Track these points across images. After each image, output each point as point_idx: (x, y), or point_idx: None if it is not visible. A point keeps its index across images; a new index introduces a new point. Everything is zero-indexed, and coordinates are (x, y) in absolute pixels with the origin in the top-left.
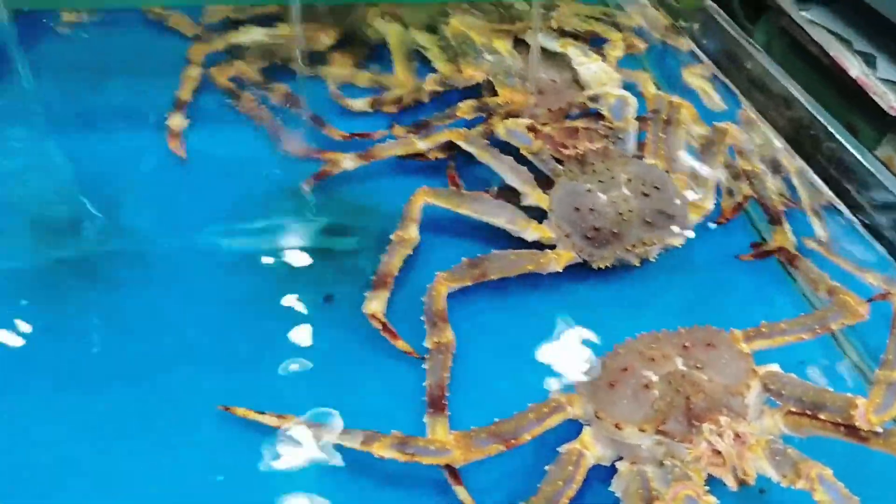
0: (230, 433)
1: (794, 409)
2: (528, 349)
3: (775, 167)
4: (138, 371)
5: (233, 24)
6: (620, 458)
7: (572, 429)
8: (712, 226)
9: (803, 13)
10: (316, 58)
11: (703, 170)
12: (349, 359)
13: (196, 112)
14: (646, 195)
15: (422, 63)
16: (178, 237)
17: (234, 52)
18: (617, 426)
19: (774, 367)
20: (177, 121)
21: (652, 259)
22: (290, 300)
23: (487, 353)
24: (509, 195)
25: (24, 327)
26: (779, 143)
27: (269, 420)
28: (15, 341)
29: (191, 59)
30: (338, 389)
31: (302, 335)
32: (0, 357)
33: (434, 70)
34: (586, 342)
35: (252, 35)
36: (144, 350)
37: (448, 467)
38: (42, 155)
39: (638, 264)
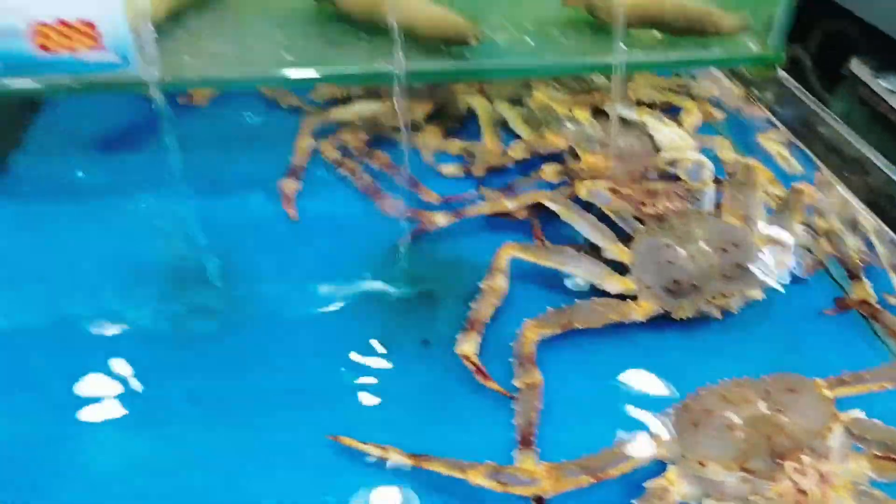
0: (337, 462)
1: (879, 454)
2: (612, 392)
3: (853, 226)
4: (250, 407)
5: (338, 101)
6: (707, 496)
7: (658, 468)
8: (792, 283)
9: (882, 83)
10: (412, 128)
11: (782, 229)
12: (443, 398)
13: (307, 177)
14: (724, 250)
15: (506, 132)
16: (289, 286)
17: (340, 125)
18: (701, 463)
19: (858, 413)
20: (290, 185)
21: (733, 311)
22: (388, 344)
23: (571, 393)
24: (591, 250)
25: (150, 367)
26: (856, 204)
27: (371, 449)
28: (137, 385)
29: (302, 131)
30: (432, 426)
31: (397, 376)
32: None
33: (518, 137)
34: (668, 386)
35: (355, 110)
36: (256, 387)
37: (538, 499)
38: (176, 215)
39: (719, 316)
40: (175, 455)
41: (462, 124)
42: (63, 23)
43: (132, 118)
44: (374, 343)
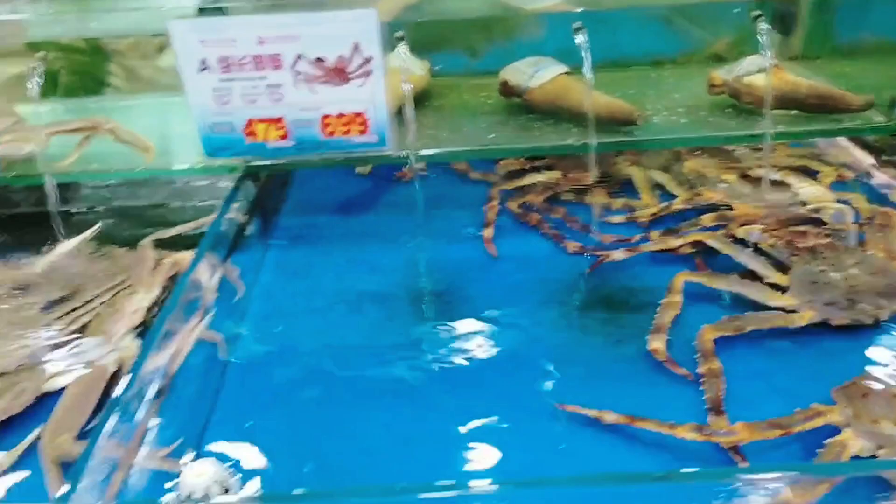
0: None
1: None
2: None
3: None
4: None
5: (514, 173)
6: (880, 447)
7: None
8: None
9: None
10: (580, 191)
11: None
12: (635, 386)
13: (499, 228)
14: (874, 275)
15: (662, 192)
16: (495, 311)
17: (521, 189)
18: (874, 421)
19: None
20: (488, 232)
21: (883, 319)
22: (586, 348)
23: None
24: (750, 277)
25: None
26: None
27: (591, 412)
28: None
29: (492, 196)
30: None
31: (593, 371)
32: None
33: (672, 197)
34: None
35: (534, 178)
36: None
37: (734, 448)
38: (407, 259)
39: (871, 322)
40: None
41: (621, 188)
42: (342, 115)
43: (358, 187)
44: (572, 355)
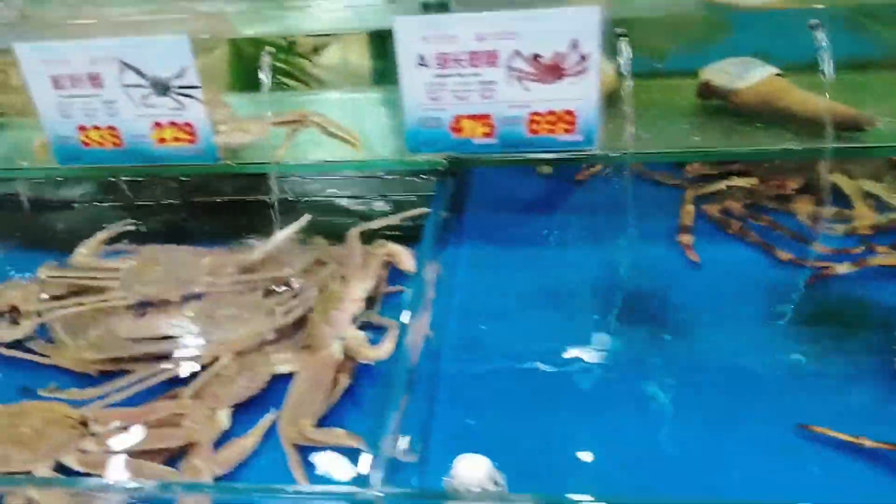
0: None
1: None
2: None
3: None
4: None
5: (708, 178)
6: None
7: None
8: None
9: None
10: (783, 199)
11: None
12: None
13: (697, 233)
14: None
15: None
16: (707, 322)
17: (715, 194)
18: None
19: None
20: (686, 238)
21: None
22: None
23: None
24: None
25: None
26: None
27: (845, 437)
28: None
29: (686, 200)
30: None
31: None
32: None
33: (889, 208)
34: None
35: (731, 183)
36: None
37: None
38: (604, 264)
39: None
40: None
41: (831, 197)
42: (550, 112)
43: (540, 188)
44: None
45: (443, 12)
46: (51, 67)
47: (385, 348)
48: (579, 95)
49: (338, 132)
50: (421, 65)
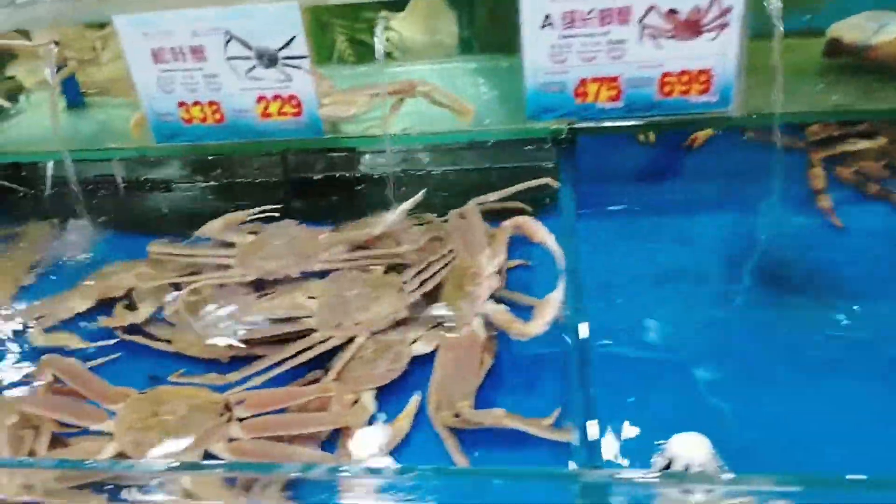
0: None
1: None
2: None
3: None
4: None
5: (830, 140)
6: None
7: None
8: None
9: None
10: None
11: None
12: None
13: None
14: None
15: None
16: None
17: (844, 156)
18: None
19: None
20: (825, 201)
21: None
22: None
23: None
24: None
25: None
26: None
27: None
28: None
29: (813, 164)
30: None
31: None
32: None
33: None
34: None
35: (861, 145)
36: None
37: None
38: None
39: None
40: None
41: None
42: (684, 72)
43: (647, 155)
44: None
45: None
46: (151, 40)
47: (539, 323)
48: (718, 52)
49: (449, 101)
50: (546, 25)
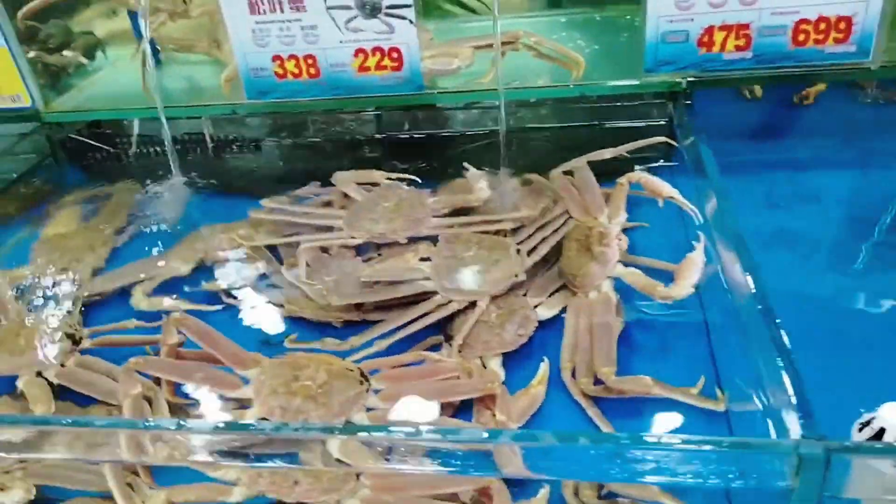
0: None
1: None
2: None
3: None
4: None
5: None
6: None
7: None
8: None
9: None
10: None
11: None
12: None
13: None
14: None
15: None
16: None
17: None
18: None
19: None
20: None
21: None
22: None
23: None
24: None
25: None
26: None
27: None
28: None
29: None
30: None
31: None
32: None
33: None
34: None
35: None
36: None
37: None
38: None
39: None
40: None
41: None
42: (821, 18)
43: (756, 112)
44: None
45: None
46: None
47: (685, 285)
48: None
49: (557, 54)
50: None
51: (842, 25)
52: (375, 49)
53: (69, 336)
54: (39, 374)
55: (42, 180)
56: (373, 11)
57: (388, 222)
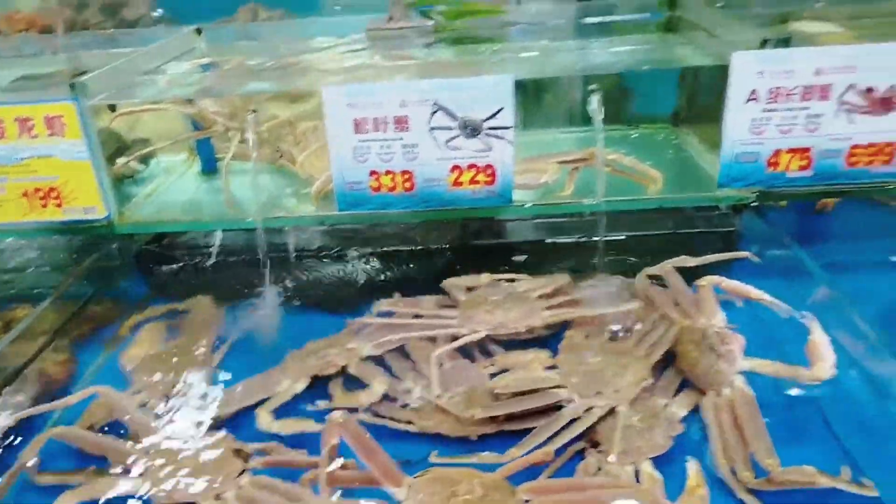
0: None
1: None
2: None
3: None
4: None
5: None
6: None
7: None
8: None
9: None
10: None
11: None
12: None
13: None
14: None
15: None
16: None
17: None
18: None
19: None
20: None
21: None
22: None
23: None
24: None
25: None
26: None
27: None
28: None
29: None
30: None
31: None
32: None
33: None
34: None
35: None
36: None
37: None
38: None
39: None
40: None
41: None
42: (872, 144)
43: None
44: None
45: (782, 47)
46: (356, 110)
47: (826, 366)
48: None
49: (636, 170)
50: (750, 100)
51: (888, 149)
52: (471, 165)
53: (237, 452)
54: (218, 496)
55: (113, 296)
56: (473, 132)
57: (505, 312)
